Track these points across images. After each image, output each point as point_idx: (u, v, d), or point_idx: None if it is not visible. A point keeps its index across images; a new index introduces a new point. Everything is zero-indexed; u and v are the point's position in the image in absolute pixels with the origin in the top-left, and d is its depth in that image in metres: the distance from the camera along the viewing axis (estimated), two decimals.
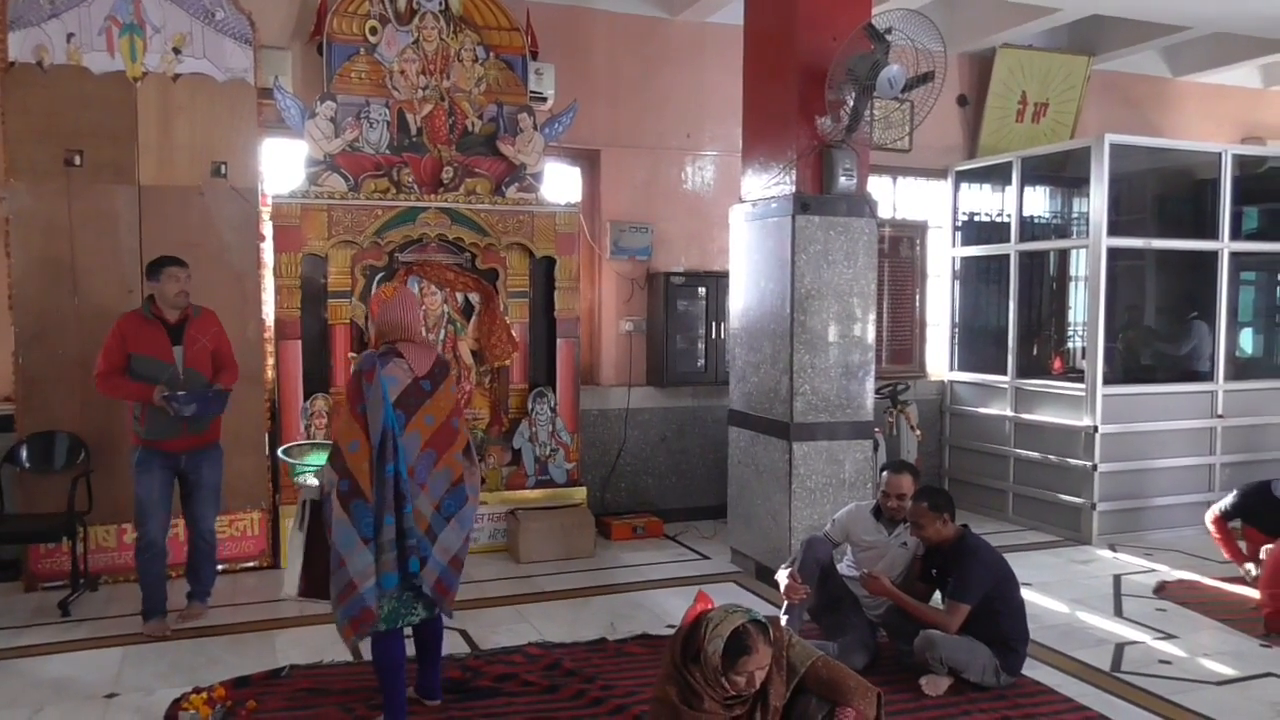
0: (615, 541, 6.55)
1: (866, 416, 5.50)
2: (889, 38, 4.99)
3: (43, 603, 5.18)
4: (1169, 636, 4.80)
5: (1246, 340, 8.43)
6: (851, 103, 5.14)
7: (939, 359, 8.12)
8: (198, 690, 3.89)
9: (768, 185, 5.64)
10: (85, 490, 5.28)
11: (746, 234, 5.82)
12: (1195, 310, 7.50)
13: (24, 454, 5.38)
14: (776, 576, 4.46)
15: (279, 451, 4.66)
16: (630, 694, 3.95)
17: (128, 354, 4.73)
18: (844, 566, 4.64)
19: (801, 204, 5.30)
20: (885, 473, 4.54)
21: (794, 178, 5.40)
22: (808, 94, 5.33)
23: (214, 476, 5.00)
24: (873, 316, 5.52)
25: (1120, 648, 4.64)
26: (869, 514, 4.56)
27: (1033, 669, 4.28)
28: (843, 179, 5.33)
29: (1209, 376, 7.08)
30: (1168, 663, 4.46)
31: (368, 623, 3.38)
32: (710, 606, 4.45)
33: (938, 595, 4.40)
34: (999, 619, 4.11)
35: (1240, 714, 3.92)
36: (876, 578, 4.21)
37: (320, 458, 3.91)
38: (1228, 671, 4.36)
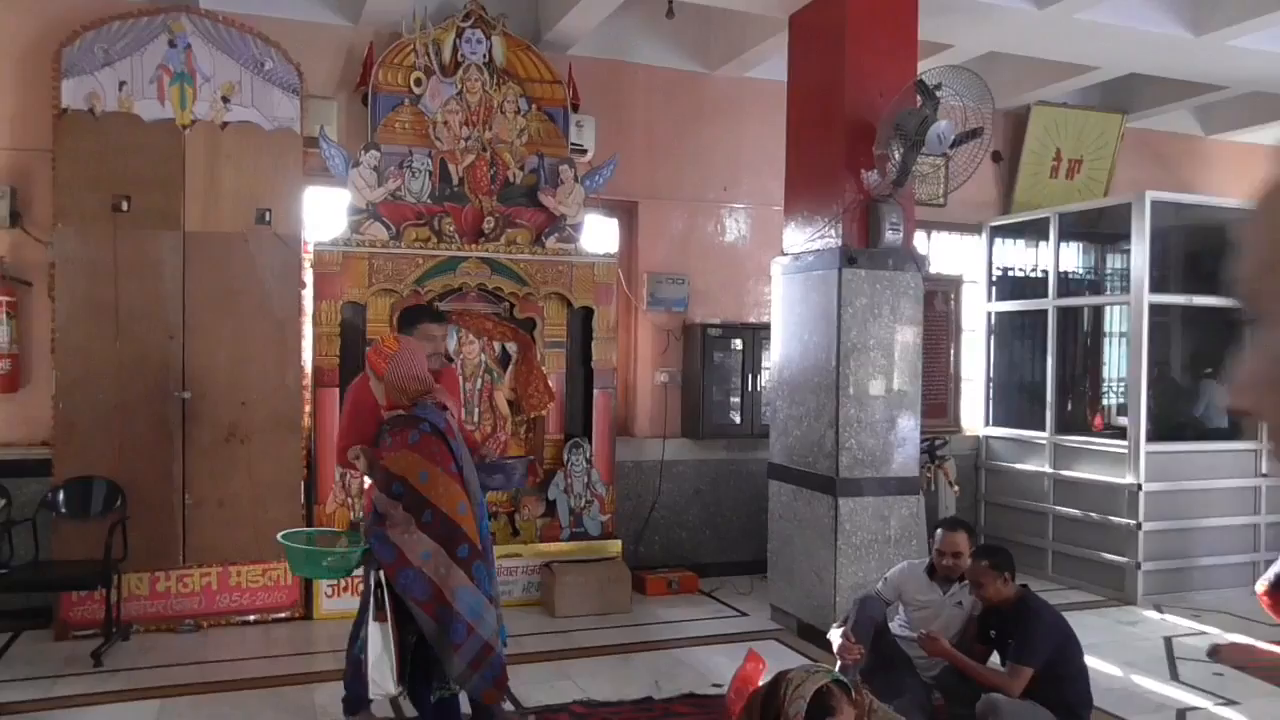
0: (649, 596, 6.43)
1: (913, 472, 5.43)
2: (938, 94, 5.00)
3: (74, 652, 5.09)
4: (1230, 703, 4.66)
5: None
6: (899, 157, 5.14)
7: (974, 414, 8.05)
8: None
9: (812, 238, 5.63)
10: (121, 537, 5.23)
11: (789, 287, 5.80)
12: (1209, 368, 7.48)
13: (61, 499, 5.34)
14: (829, 635, 4.35)
15: (279, 537, 3.81)
16: None
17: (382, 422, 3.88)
18: (896, 626, 4.53)
19: (849, 257, 5.28)
20: (940, 530, 4.45)
21: (840, 231, 5.39)
22: (854, 148, 5.34)
23: None
24: (919, 371, 5.47)
25: (1182, 714, 4.52)
26: (922, 572, 4.46)
27: None
28: (889, 233, 5.32)
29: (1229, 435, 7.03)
30: None
31: (506, 678, 3.39)
32: (762, 665, 4.35)
33: (995, 657, 4.28)
34: (1062, 683, 3.99)
35: None
36: (936, 638, 4.11)
37: (346, 545, 3.71)
38: None
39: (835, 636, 4.26)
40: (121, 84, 5.55)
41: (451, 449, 3.32)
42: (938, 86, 4.99)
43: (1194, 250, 7.72)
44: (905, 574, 4.52)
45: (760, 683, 4.30)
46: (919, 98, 5.04)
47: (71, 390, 5.42)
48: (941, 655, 4.13)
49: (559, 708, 4.38)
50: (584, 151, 6.63)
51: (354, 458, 3.74)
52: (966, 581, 4.31)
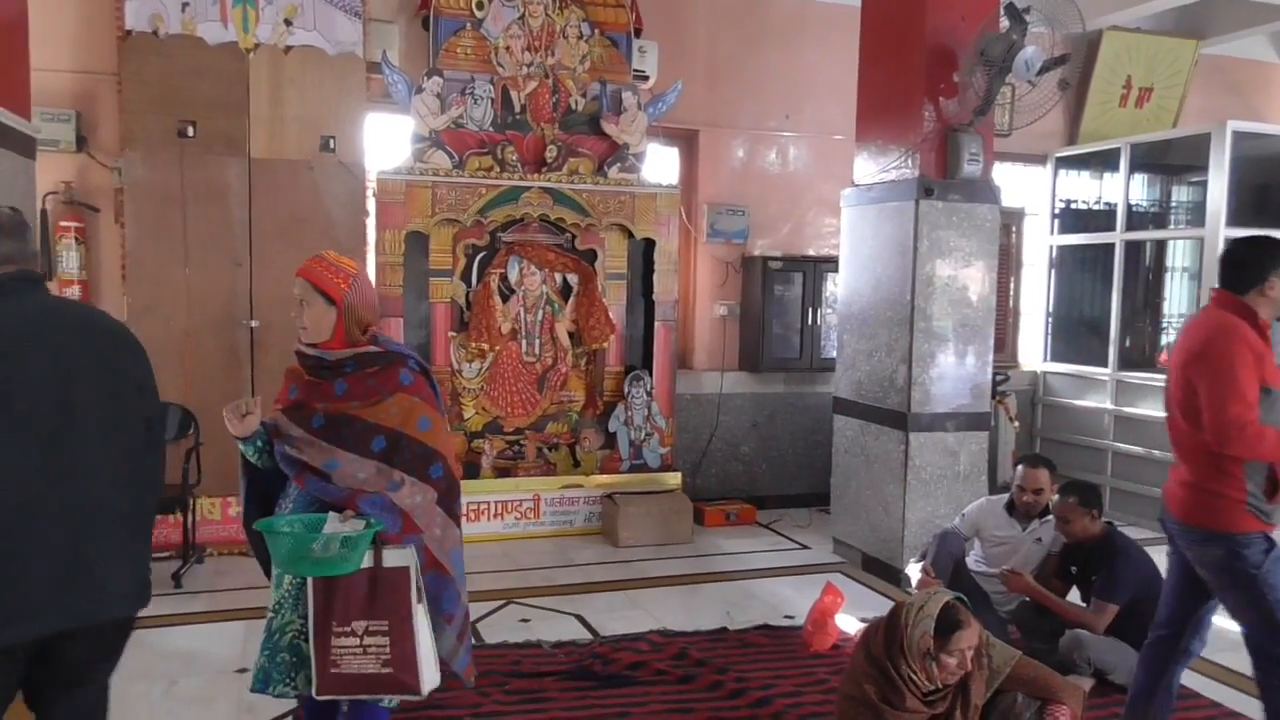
0: (708, 527, 6.46)
1: (984, 408, 5.37)
2: (1026, 18, 4.82)
3: (154, 573, 5.17)
4: None
5: None
6: (984, 85, 4.99)
7: (1032, 349, 7.95)
8: None
9: (885, 168, 5.50)
10: (195, 463, 5.28)
11: (860, 218, 5.69)
12: None
13: None
14: (907, 570, 4.37)
15: (255, 526, 2.59)
16: (766, 686, 3.87)
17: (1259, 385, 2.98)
18: (971, 561, 4.53)
19: (926, 189, 5.16)
20: (1021, 466, 4.42)
21: (916, 161, 5.26)
22: (934, 75, 5.19)
23: None
24: (993, 306, 5.39)
25: None
26: (1002, 509, 4.44)
27: None
28: (968, 164, 5.18)
29: None
30: None
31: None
32: (840, 599, 4.37)
33: (1074, 593, 4.28)
34: (1146, 620, 3.96)
35: None
36: (1020, 575, 4.10)
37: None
38: None
39: (915, 571, 4.28)
40: (184, 5, 5.46)
41: (435, 388, 2.74)
42: (1027, 10, 4.81)
43: (1267, 183, 7.52)
44: (984, 510, 4.50)
45: (837, 616, 4.35)
46: (1006, 21, 4.87)
47: (142, 317, 5.43)
48: (1025, 591, 4.14)
49: (636, 636, 4.42)
50: (646, 78, 6.49)
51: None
52: (1048, 518, 4.29)
